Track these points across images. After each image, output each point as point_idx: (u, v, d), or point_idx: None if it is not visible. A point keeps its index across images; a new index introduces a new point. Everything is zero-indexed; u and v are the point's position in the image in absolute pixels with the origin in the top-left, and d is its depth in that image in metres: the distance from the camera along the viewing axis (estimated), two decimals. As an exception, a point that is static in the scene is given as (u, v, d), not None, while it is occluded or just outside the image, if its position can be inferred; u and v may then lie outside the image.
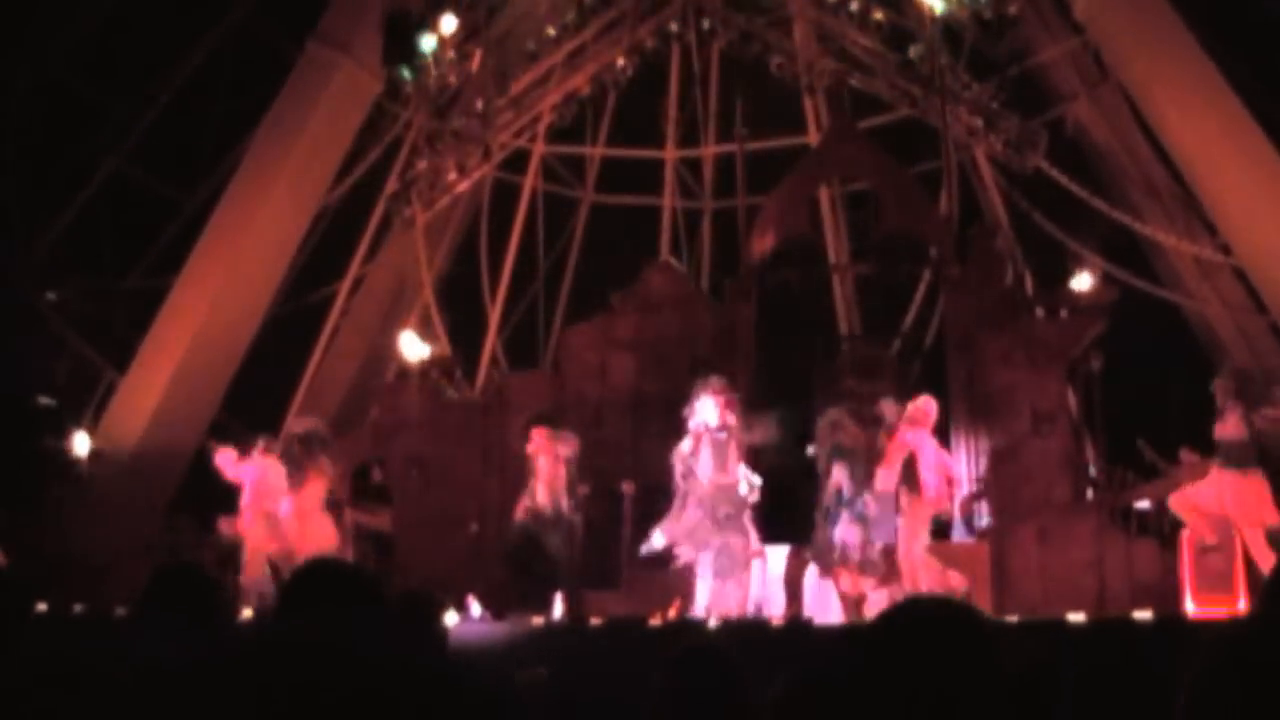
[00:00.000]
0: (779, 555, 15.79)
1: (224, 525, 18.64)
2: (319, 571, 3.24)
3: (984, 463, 18.01)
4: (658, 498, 15.90)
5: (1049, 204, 21.11)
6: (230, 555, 17.92)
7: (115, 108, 22.31)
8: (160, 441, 20.47)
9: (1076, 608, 14.41)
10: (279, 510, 16.15)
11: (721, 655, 4.06)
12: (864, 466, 14.84)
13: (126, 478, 20.13)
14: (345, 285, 22.68)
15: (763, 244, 19.81)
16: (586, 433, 17.21)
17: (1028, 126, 20.70)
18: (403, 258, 22.66)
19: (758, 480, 14.91)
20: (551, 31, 22.03)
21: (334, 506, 17.72)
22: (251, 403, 21.79)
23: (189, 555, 17.49)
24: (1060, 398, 18.10)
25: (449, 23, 21.40)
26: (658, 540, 14.60)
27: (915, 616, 2.74)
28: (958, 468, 16.74)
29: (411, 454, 19.66)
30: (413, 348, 20.60)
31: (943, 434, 18.12)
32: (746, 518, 14.57)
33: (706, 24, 22.02)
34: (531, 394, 20.04)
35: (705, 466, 14.51)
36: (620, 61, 22.23)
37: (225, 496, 17.24)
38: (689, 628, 13.06)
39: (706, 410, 14.60)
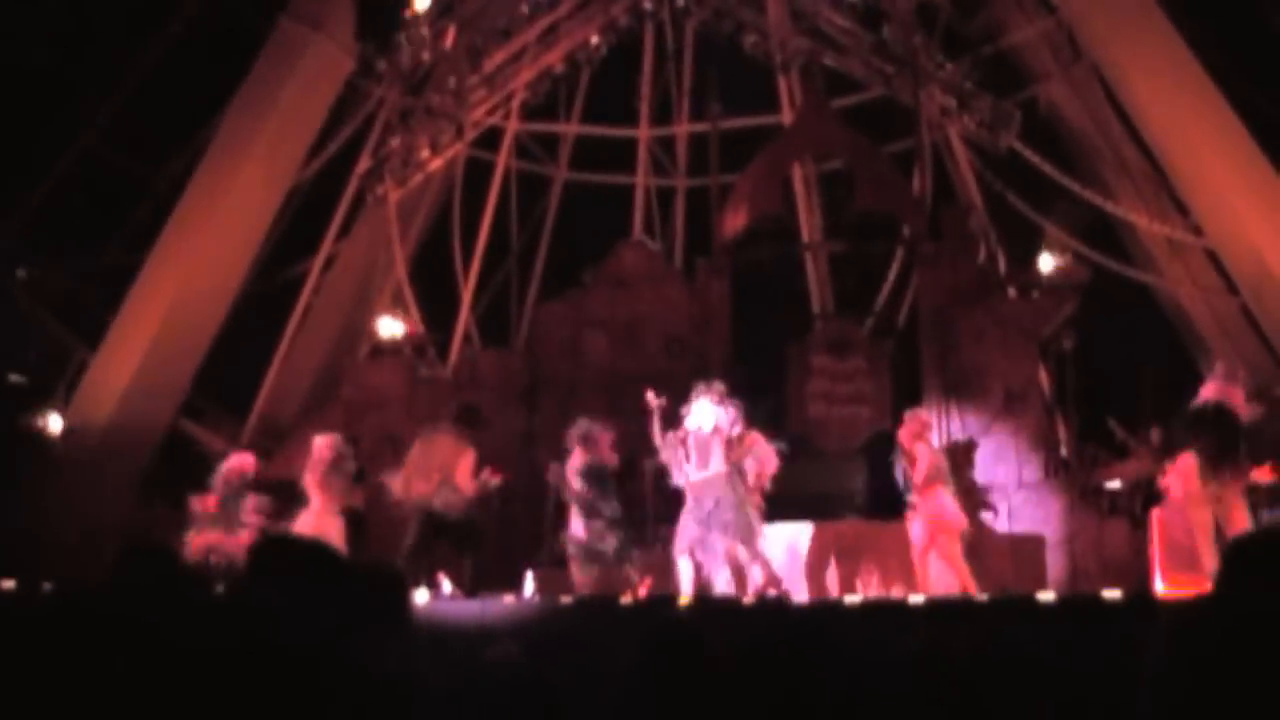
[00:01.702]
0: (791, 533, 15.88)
1: (196, 504, 18.59)
2: (281, 548, 3.24)
3: (957, 439, 18.10)
4: (633, 476, 15.96)
5: (1022, 184, 21.15)
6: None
7: (86, 85, 22.16)
8: (132, 420, 20.38)
9: (1047, 586, 14.51)
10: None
11: (694, 633, 4.07)
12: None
13: (98, 456, 20.03)
14: (318, 263, 22.51)
15: (736, 222, 19.84)
16: (560, 410, 17.20)
17: (1001, 106, 20.75)
18: (375, 235, 22.57)
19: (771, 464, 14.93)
20: (525, 9, 21.97)
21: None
22: (224, 381, 21.76)
23: (159, 534, 17.45)
24: (1032, 377, 18.26)
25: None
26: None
27: None
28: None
29: (384, 432, 19.63)
30: (385, 325, 20.59)
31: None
32: (732, 511, 14.53)
33: (680, 1, 22.00)
34: (504, 371, 20.06)
35: (690, 464, 14.55)
36: (594, 39, 22.21)
37: (197, 475, 17.19)
38: (659, 606, 13.04)
39: (703, 414, 14.60)
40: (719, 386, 14.88)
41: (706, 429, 14.52)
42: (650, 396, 14.82)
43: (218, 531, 16.02)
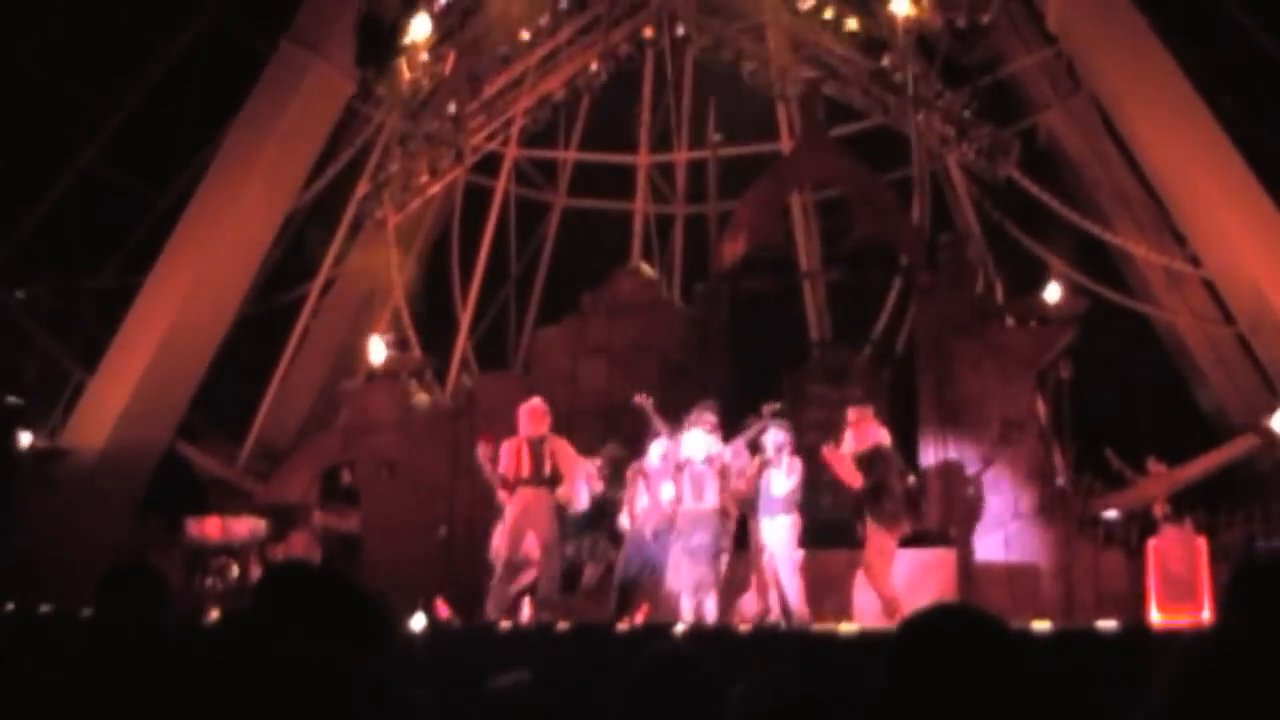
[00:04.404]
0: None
1: (192, 526, 18.65)
2: (291, 574, 3.24)
3: (953, 470, 18.07)
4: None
5: (1020, 213, 21.07)
6: (198, 556, 17.93)
7: (87, 104, 22.21)
8: (129, 442, 20.38)
9: (1042, 616, 14.48)
10: None
11: (691, 662, 4.06)
12: None
13: (94, 478, 20.05)
14: (316, 287, 22.51)
15: (734, 249, 19.82)
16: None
17: (1000, 135, 20.78)
18: (374, 260, 22.55)
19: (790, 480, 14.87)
20: (525, 35, 22.01)
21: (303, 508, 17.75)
22: (221, 403, 21.75)
23: (156, 556, 17.47)
24: (1029, 406, 18.15)
25: (422, 25, 21.37)
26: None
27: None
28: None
29: (381, 457, 19.74)
30: (382, 351, 20.59)
31: (911, 441, 18.22)
32: (724, 543, 14.55)
33: (680, 30, 22.04)
34: (502, 397, 20.02)
35: (685, 497, 14.54)
36: (594, 66, 22.24)
37: (193, 498, 17.23)
38: (656, 633, 13.03)
39: (696, 443, 14.60)
40: (710, 417, 14.85)
41: (699, 460, 14.51)
42: (639, 399, 14.90)
43: None
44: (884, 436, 15.31)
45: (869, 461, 14.90)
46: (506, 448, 15.17)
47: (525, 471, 14.93)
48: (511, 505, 15.03)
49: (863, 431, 15.23)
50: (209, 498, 20.51)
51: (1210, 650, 2.44)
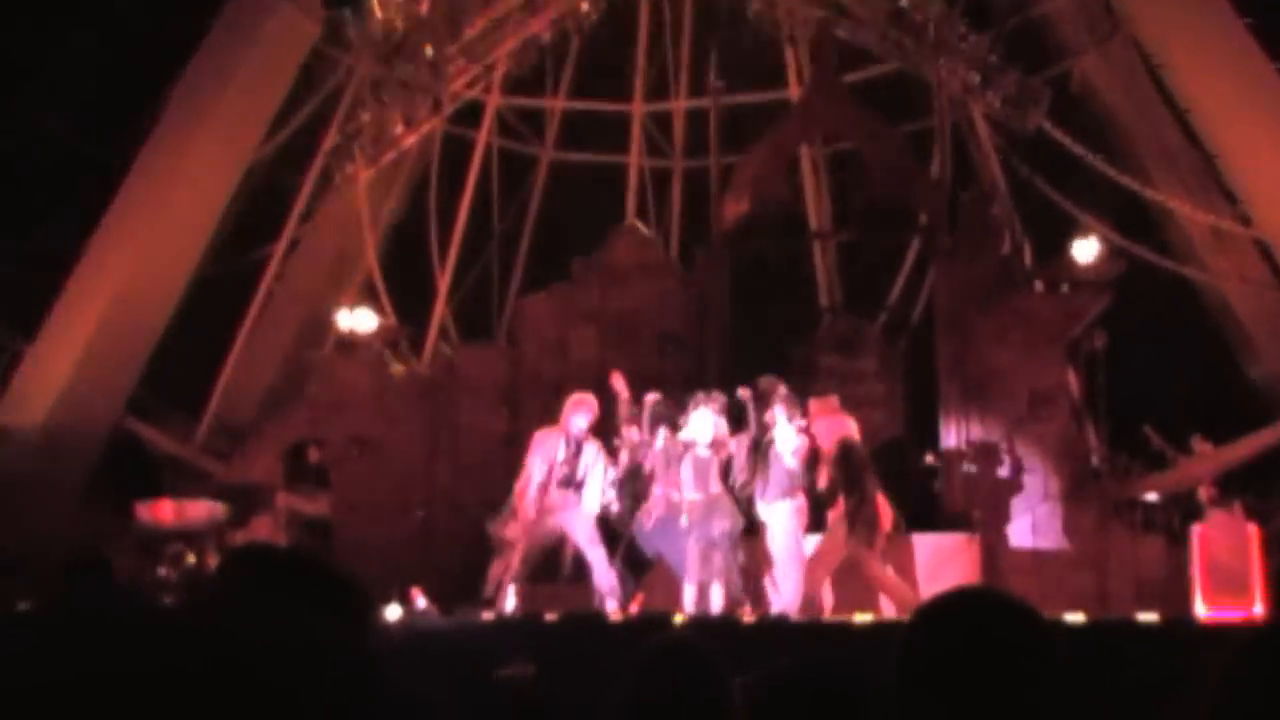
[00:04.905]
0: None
1: (144, 511, 18.64)
2: (255, 555, 3.19)
3: (976, 450, 18.09)
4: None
5: (1051, 168, 21.07)
6: (150, 544, 17.92)
7: (24, 52, 22.07)
8: (72, 419, 20.33)
9: (1075, 608, 14.48)
10: None
11: (696, 652, 4.05)
12: None
13: (35, 458, 19.97)
14: (280, 248, 22.48)
15: (737, 208, 19.82)
16: (544, 412, 17.21)
17: (1029, 83, 20.64)
18: (343, 218, 22.49)
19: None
20: (509, -30, 21.94)
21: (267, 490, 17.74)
22: (175, 377, 21.68)
23: (104, 544, 17.43)
24: (1060, 379, 18.18)
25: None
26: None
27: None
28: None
29: (352, 433, 19.73)
30: (354, 317, 20.53)
31: (930, 417, 18.24)
32: (736, 525, 14.62)
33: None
34: (484, 369, 20.04)
35: (687, 485, 14.57)
36: (584, 6, 22.14)
37: (145, 480, 17.18)
38: (655, 623, 13.07)
39: (703, 426, 14.60)
40: (720, 396, 14.86)
41: (705, 445, 14.50)
42: (618, 381, 15.08)
43: None
44: (851, 429, 15.17)
45: (839, 461, 14.76)
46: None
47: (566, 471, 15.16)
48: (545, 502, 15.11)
49: (828, 425, 15.11)
50: (162, 479, 20.47)
51: (1264, 649, 2.39)
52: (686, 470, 14.63)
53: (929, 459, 19.32)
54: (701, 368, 18.78)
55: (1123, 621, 13.21)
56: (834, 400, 15.54)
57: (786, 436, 14.84)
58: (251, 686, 2.36)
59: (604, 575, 14.87)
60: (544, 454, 15.11)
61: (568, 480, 15.05)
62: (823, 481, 14.91)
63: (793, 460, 14.74)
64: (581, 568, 15.56)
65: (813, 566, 14.63)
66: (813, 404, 15.42)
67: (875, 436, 18.65)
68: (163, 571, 17.69)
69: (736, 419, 15.28)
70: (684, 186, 25.27)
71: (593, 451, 15.24)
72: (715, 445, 14.66)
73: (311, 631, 2.37)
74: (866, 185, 19.98)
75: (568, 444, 15.20)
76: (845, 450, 14.83)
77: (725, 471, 14.91)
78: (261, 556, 2.99)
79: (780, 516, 14.67)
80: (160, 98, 21.44)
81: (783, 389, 15.25)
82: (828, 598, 14.83)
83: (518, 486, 15.35)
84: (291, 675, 2.47)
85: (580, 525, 15.03)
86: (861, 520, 14.57)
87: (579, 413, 15.32)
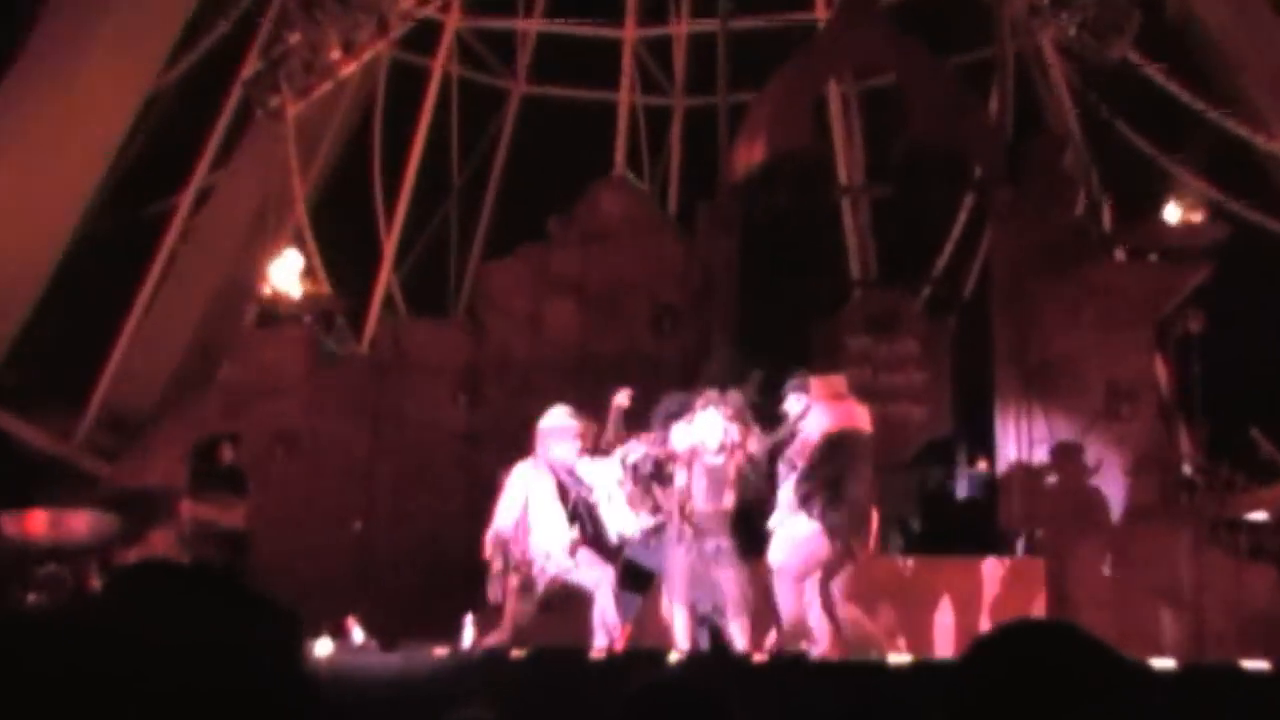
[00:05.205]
0: None
1: (10, 523, 18.60)
2: (150, 572, 3.07)
3: (1040, 454, 18.04)
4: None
5: (1138, 109, 21.08)
6: (18, 563, 17.89)
7: None
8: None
9: (1163, 651, 14.43)
10: None
11: (693, 697, 4.00)
12: None
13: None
14: (186, 199, 22.51)
15: (750, 156, 19.89)
16: (513, 402, 17.17)
17: (1112, 3, 20.62)
18: (266, 164, 22.40)
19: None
20: None
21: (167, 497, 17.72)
22: (53, 357, 21.58)
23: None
24: (1145, 369, 18.19)
25: None
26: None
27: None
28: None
29: (277, 427, 19.75)
30: (280, 285, 20.46)
31: (984, 413, 18.18)
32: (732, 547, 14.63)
33: None
34: (439, 349, 20.00)
35: (698, 494, 14.57)
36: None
37: (13, 485, 17.13)
38: (645, 661, 13.08)
39: (711, 429, 14.58)
40: (736, 399, 14.85)
41: (715, 450, 14.53)
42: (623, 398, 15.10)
43: None
44: (859, 418, 14.94)
45: (830, 447, 14.53)
46: None
47: None
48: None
49: (829, 412, 14.91)
50: (35, 484, 20.35)
51: None
52: (698, 478, 14.64)
53: (981, 465, 19.31)
54: (704, 349, 18.73)
55: (1223, 667, 13.13)
56: (840, 381, 15.28)
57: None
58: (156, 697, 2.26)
59: (609, 606, 14.81)
60: (523, 494, 15.01)
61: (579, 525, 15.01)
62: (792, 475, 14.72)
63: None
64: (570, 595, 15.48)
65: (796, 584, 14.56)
66: (814, 384, 15.26)
67: (915, 437, 18.69)
68: (32, 598, 17.58)
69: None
70: (685, 129, 25.25)
71: (595, 471, 15.17)
72: (727, 450, 14.64)
73: (233, 636, 2.28)
74: (908, 129, 19.88)
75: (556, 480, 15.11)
76: (845, 437, 14.61)
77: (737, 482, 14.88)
78: (159, 573, 2.90)
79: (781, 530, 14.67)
80: (32, 10, 21.25)
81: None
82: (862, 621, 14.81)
83: (489, 545, 15.20)
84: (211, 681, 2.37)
85: (586, 564, 15.00)
86: (835, 520, 14.37)
87: (559, 441, 15.18)
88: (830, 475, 14.32)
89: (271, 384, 19.96)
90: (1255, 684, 12.07)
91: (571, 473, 15.09)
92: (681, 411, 15.23)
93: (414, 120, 23.61)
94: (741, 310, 19.55)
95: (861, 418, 14.77)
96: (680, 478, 14.76)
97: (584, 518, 15.13)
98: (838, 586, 14.49)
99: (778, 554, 14.50)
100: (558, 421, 15.20)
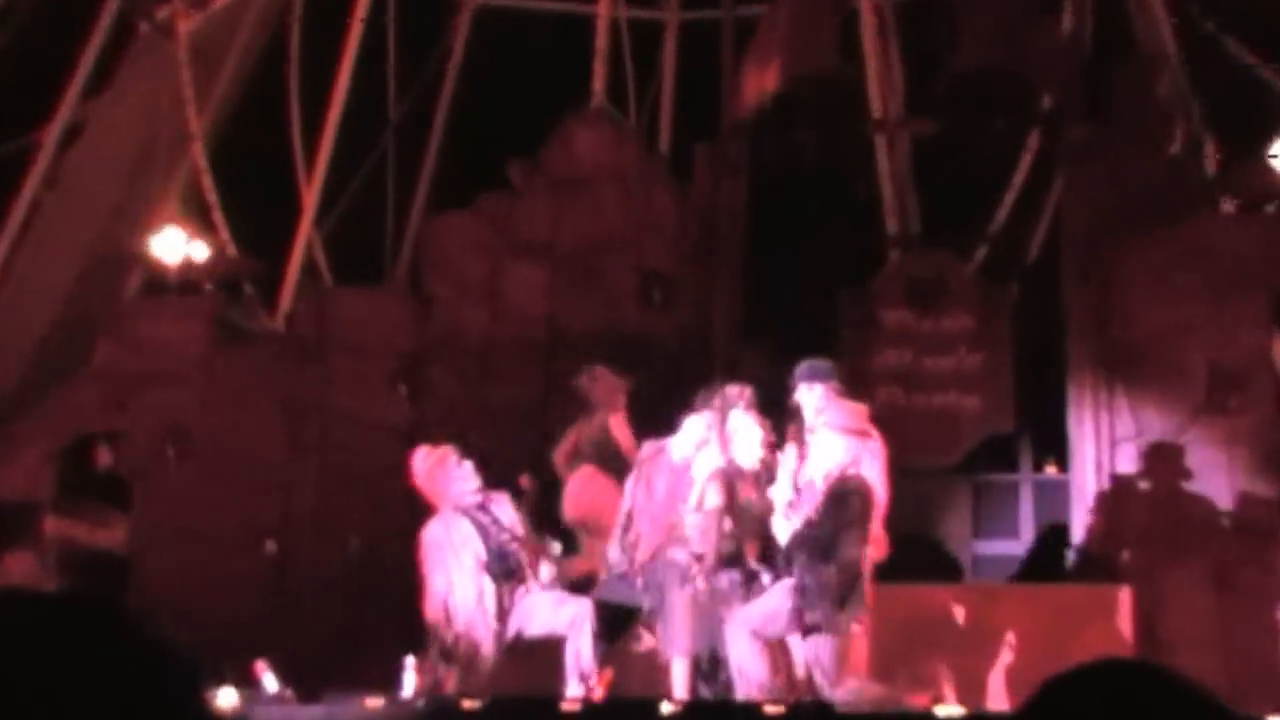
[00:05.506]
0: None
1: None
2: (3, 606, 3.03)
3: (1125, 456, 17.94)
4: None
5: (1250, 26, 20.83)
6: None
7: None
8: None
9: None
10: None
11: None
12: None
13: None
14: (52, 135, 22.42)
15: (761, 84, 20.17)
16: (466, 389, 16.96)
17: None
18: (153, 94, 22.23)
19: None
20: None
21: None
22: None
23: None
24: (1259, 348, 18.11)
25: None
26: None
27: None
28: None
29: (167, 422, 19.70)
30: (170, 245, 20.20)
31: (1055, 403, 17.98)
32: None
33: None
34: (373, 325, 19.83)
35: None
36: None
37: None
38: (634, 713, 13.14)
39: (745, 442, 14.43)
40: (748, 392, 14.90)
41: (748, 460, 14.59)
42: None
43: None
44: (876, 465, 14.70)
45: (832, 501, 14.37)
46: None
47: None
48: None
49: (850, 449, 14.68)
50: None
51: None
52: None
53: (1049, 469, 19.22)
54: (704, 324, 18.55)
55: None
56: (861, 411, 15.06)
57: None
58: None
59: (585, 647, 14.82)
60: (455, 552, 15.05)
61: (507, 571, 15.09)
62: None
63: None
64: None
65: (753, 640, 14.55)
66: (830, 406, 15.12)
67: (967, 434, 18.55)
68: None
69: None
70: (680, 51, 25.00)
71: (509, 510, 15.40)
72: (761, 464, 14.60)
73: (109, 687, 2.47)
74: (959, 51, 19.84)
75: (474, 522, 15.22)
76: (840, 493, 14.43)
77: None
78: (13, 605, 2.99)
79: None
80: None
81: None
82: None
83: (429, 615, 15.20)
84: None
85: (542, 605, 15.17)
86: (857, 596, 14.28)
87: (454, 481, 15.03)
88: (823, 534, 14.24)
89: (161, 368, 20.01)
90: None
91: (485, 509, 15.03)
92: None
93: (340, 37, 23.35)
94: (750, 277, 19.35)
95: (874, 463, 14.57)
96: (712, 497, 14.60)
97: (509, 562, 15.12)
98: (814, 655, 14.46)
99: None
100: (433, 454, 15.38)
